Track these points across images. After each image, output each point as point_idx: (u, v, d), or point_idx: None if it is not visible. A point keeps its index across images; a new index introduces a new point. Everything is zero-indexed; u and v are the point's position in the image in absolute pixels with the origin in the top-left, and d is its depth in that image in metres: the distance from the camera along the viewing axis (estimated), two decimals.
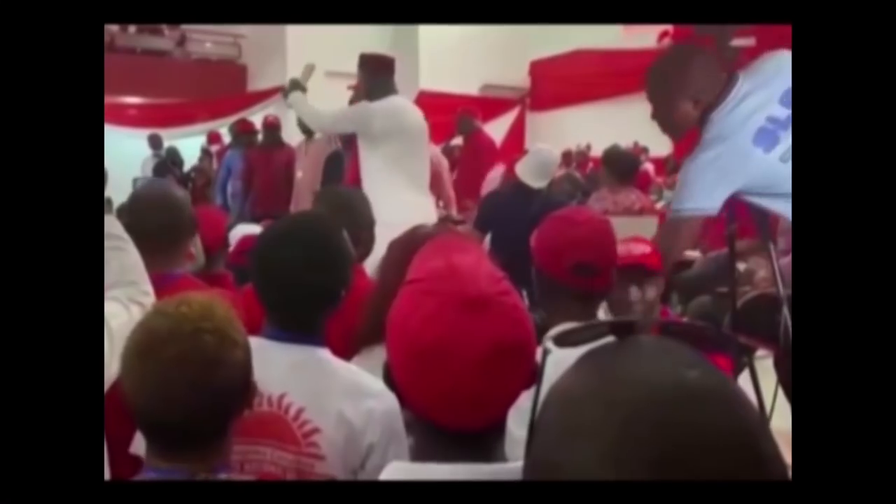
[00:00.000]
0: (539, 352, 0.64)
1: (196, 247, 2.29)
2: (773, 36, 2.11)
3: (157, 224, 1.65)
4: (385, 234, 1.69)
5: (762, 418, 0.52)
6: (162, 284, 1.55)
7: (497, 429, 0.78)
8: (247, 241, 2.17)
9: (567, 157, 7.83)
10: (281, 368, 1.22)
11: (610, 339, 0.58)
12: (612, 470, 0.46)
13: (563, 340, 0.63)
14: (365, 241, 1.93)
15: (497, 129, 9.07)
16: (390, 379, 0.80)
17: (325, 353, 1.27)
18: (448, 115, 8.87)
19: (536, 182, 3.51)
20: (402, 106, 3.14)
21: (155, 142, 8.95)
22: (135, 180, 7.74)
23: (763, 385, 2.28)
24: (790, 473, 0.52)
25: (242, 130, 6.89)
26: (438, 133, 8.20)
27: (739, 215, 2.87)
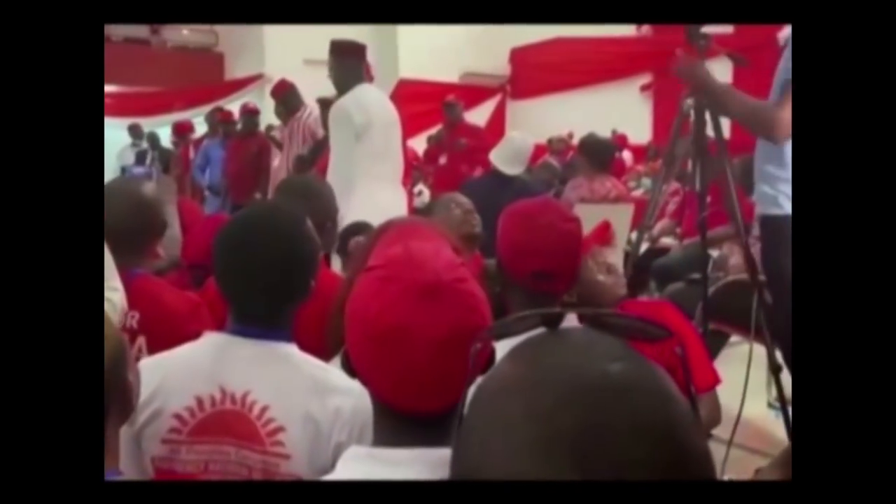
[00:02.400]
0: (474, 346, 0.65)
1: (176, 240, 2.28)
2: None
3: (121, 223, 1.60)
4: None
5: (691, 412, 0.51)
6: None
7: (454, 412, 0.79)
8: (198, 236, 2.13)
9: (544, 146, 7.83)
10: (244, 365, 1.19)
11: (541, 330, 0.58)
12: (536, 464, 0.46)
13: (495, 332, 0.64)
14: (329, 231, 1.92)
15: (478, 117, 9.05)
16: (348, 364, 0.82)
17: (290, 349, 1.24)
18: (429, 103, 8.84)
19: (511, 169, 3.53)
20: (371, 97, 3.11)
21: (136, 132, 8.85)
22: (122, 168, 7.66)
23: (740, 372, 2.31)
24: (716, 469, 0.51)
25: (222, 120, 6.84)
26: (420, 122, 8.19)
27: (713, 203, 2.90)
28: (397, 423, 0.79)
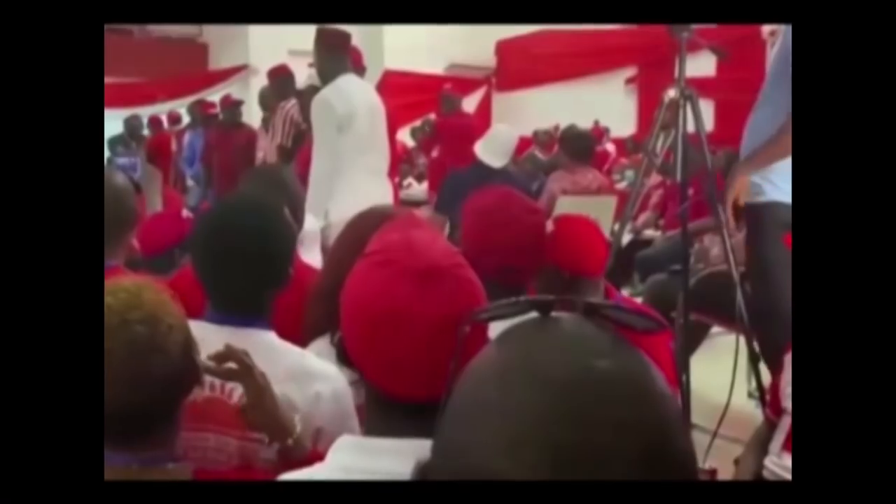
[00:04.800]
0: (461, 330, 0.64)
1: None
2: None
3: None
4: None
5: (677, 411, 0.49)
6: None
7: None
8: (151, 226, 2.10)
9: (529, 138, 7.85)
10: None
11: (531, 315, 0.56)
12: (510, 456, 0.45)
13: (483, 315, 0.63)
14: (299, 219, 1.92)
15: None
16: (343, 351, 0.82)
17: (269, 336, 1.25)
18: (414, 95, 8.82)
19: (496, 161, 3.53)
20: (355, 86, 3.06)
21: (134, 123, 8.78)
22: (108, 159, 7.60)
23: (721, 363, 2.33)
24: (697, 471, 0.50)
25: (204, 111, 6.80)
26: (405, 114, 8.16)
27: (695, 195, 2.92)
28: (390, 411, 0.79)
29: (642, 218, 4.80)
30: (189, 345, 1.01)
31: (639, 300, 3.43)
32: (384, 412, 0.80)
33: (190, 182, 6.69)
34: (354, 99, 2.97)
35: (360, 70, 3.56)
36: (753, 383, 2.75)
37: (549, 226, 1.70)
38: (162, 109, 8.93)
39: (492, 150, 3.58)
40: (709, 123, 2.50)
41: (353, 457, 0.79)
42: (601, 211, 3.61)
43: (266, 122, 5.26)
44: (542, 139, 7.80)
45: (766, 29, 7.19)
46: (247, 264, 1.22)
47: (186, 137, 7.04)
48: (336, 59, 3.04)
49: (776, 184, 2.23)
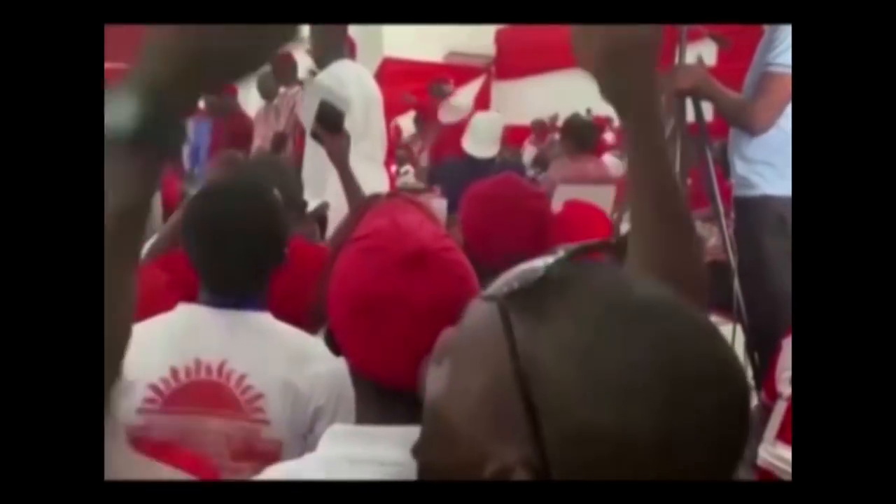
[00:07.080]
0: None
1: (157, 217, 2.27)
2: None
3: None
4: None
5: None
6: None
7: None
8: None
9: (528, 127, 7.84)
10: (220, 335, 1.20)
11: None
12: (622, 420, 0.45)
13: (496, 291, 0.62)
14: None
15: (463, 98, 8.99)
16: (331, 340, 0.81)
17: (266, 317, 1.25)
18: (414, 82, 8.79)
19: (485, 151, 3.50)
20: (350, 73, 3.03)
21: None
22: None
23: None
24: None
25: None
26: (405, 102, 8.13)
27: (694, 185, 2.91)
28: (381, 400, 0.77)
29: None
30: None
31: None
32: (376, 401, 0.78)
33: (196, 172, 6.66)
34: (349, 85, 2.94)
35: (351, 58, 3.54)
36: (750, 372, 2.76)
37: (558, 208, 1.68)
38: None
39: (477, 141, 3.55)
40: (708, 114, 2.49)
41: (345, 446, 0.77)
42: (600, 200, 3.59)
43: (265, 109, 5.24)
44: (536, 129, 7.77)
45: None
46: (240, 242, 1.22)
47: (198, 125, 6.98)
48: (331, 45, 3.02)
49: (766, 177, 2.24)
